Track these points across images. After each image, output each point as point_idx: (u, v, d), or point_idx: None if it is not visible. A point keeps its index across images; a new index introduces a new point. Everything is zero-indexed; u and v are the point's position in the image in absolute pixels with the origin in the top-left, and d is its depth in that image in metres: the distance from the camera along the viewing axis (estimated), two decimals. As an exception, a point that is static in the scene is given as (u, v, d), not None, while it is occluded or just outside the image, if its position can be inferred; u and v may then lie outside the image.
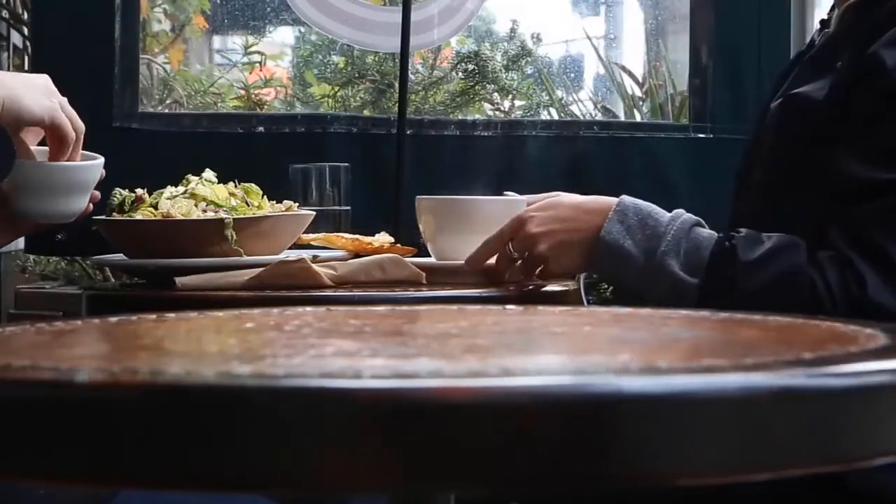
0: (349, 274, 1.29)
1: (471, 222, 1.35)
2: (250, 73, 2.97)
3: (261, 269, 1.25)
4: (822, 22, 1.26)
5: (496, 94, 2.91)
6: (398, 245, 1.41)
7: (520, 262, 1.22)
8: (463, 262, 1.27)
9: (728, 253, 1.08)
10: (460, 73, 2.88)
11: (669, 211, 1.15)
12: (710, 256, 1.09)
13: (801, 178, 1.13)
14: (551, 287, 1.29)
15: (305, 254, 1.32)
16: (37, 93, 1.16)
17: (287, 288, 1.23)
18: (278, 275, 1.24)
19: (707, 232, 1.12)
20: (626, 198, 1.16)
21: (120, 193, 1.38)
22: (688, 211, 1.16)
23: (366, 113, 2.83)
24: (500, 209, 1.32)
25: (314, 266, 1.25)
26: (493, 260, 1.24)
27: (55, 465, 0.42)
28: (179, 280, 1.26)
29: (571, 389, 0.41)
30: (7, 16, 3.02)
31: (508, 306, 0.84)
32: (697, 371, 0.45)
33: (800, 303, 1.03)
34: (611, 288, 2.06)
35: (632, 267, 1.12)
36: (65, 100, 1.18)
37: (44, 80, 1.18)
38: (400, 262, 1.31)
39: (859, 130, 1.07)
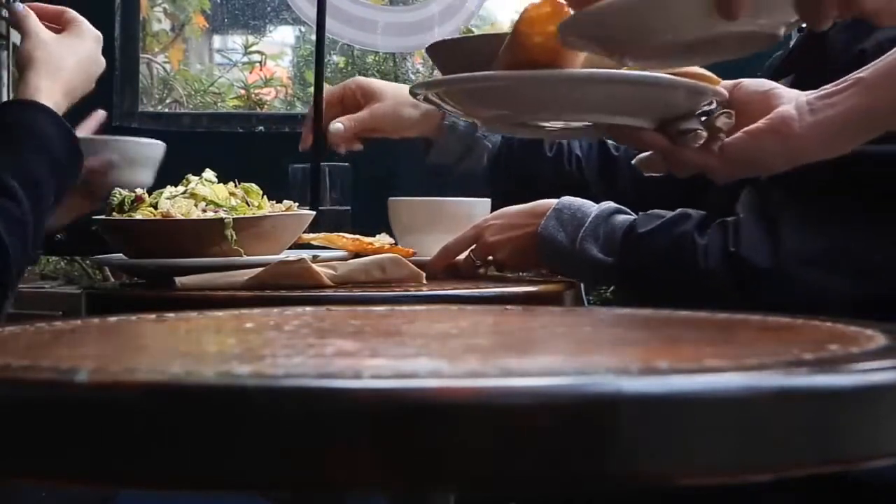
0: (349, 274, 1.29)
1: (437, 222, 1.46)
2: (250, 72, 2.97)
3: (261, 269, 1.25)
4: None
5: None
6: (398, 246, 1.42)
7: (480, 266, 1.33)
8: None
9: (631, 229, 1.17)
10: (460, 73, 2.89)
11: None
12: (621, 236, 1.18)
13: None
14: (552, 287, 1.30)
15: (305, 254, 1.32)
16: (86, 77, 1.28)
17: (287, 288, 1.23)
18: (278, 275, 1.24)
19: (624, 216, 1.21)
20: (565, 198, 1.26)
21: (120, 193, 1.38)
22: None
23: (366, 112, 2.83)
24: (464, 209, 1.44)
25: (314, 266, 1.25)
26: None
27: (55, 465, 0.42)
28: (179, 280, 1.26)
29: (571, 390, 0.41)
30: (7, 15, 3.02)
31: (508, 306, 0.84)
32: (698, 371, 0.45)
33: (683, 266, 1.12)
34: (611, 288, 2.06)
35: (563, 255, 1.22)
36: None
37: (95, 63, 1.31)
38: (400, 262, 1.31)
39: None
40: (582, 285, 1.48)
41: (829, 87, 0.94)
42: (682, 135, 0.96)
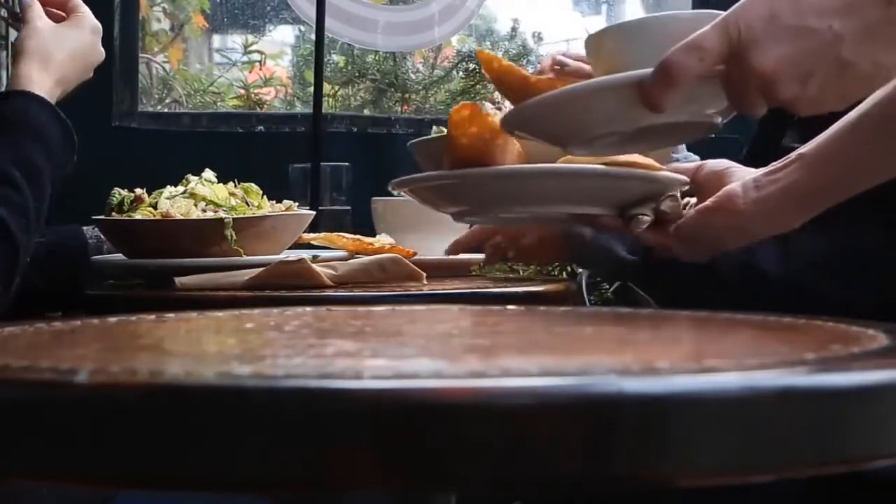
0: (349, 274, 1.29)
1: (421, 221, 1.48)
2: (250, 72, 2.97)
3: (261, 269, 1.25)
4: None
5: (497, 93, 2.90)
6: (399, 246, 1.42)
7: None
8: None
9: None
10: (461, 73, 2.88)
11: None
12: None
13: None
14: (553, 287, 1.30)
15: (305, 254, 1.32)
16: (81, 77, 1.28)
17: (287, 288, 1.23)
18: (278, 275, 1.24)
19: None
20: None
21: (119, 193, 1.38)
22: None
23: (366, 112, 2.83)
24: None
25: (314, 266, 1.25)
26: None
27: (54, 466, 0.42)
28: (179, 280, 1.26)
29: (572, 390, 0.41)
30: (6, 15, 3.01)
31: (509, 306, 0.84)
32: (699, 371, 0.45)
33: (701, 272, 1.08)
34: (612, 288, 2.06)
35: (588, 251, 1.22)
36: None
37: (93, 53, 1.31)
38: (400, 261, 1.31)
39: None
40: (584, 285, 1.48)
41: (776, 164, 0.94)
42: (630, 220, 0.99)
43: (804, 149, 0.92)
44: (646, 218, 0.98)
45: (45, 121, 1.19)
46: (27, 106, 1.19)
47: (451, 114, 1.04)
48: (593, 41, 0.98)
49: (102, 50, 1.32)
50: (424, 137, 1.20)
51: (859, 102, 0.83)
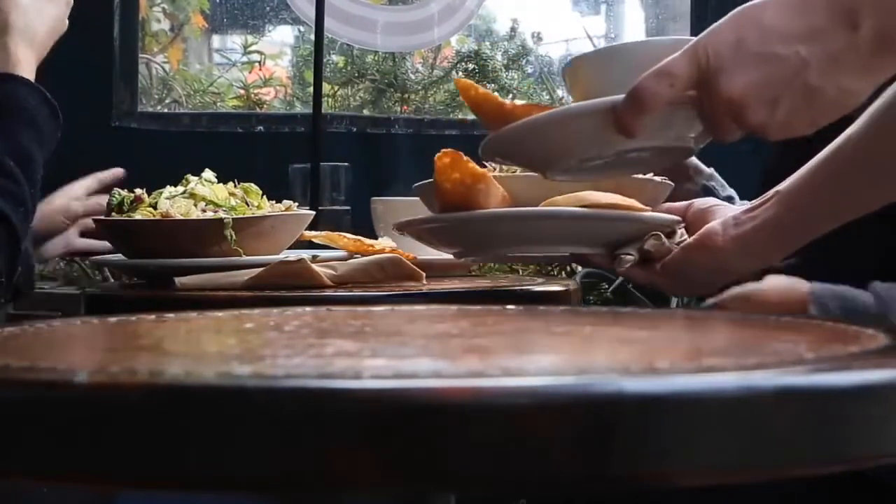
0: (349, 274, 1.29)
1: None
2: (250, 72, 2.97)
3: (261, 269, 1.25)
4: None
5: (497, 93, 2.91)
6: (400, 250, 1.42)
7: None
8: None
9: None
10: (460, 73, 2.88)
11: None
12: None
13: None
14: (553, 287, 1.30)
15: (305, 254, 1.32)
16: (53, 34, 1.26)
17: (287, 288, 1.23)
18: (278, 274, 1.24)
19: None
20: (815, 288, 1.10)
21: (119, 193, 1.38)
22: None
23: (365, 112, 2.83)
24: None
25: (314, 266, 1.25)
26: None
27: (54, 466, 0.42)
28: (179, 280, 1.26)
29: (572, 390, 0.41)
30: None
31: (508, 306, 0.84)
32: (699, 371, 0.45)
33: None
34: (611, 288, 2.06)
35: None
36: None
37: (62, 26, 1.28)
38: (400, 262, 1.31)
39: None
40: (580, 285, 1.48)
41: (755, 201, 0.95)
42: (615, 259, 1.02)
43: (781, 186, 0.93)
44: (629, 257, 1.00)
45: (34, 104, 1.18)
46: (17, 90, 1.18)
47: (434, 160, 1.09)
48: (573, 67, 1.00)
49: (67, 22, 1.30)
50: (427, 181, 1.23)
51: (837, 128, 0.84)
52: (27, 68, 1.20)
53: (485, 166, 1.13)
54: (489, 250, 1.12)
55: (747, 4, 0.74)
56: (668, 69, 0.75)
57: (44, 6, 1.26)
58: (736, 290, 1.11)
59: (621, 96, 0.78)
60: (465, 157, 1.09)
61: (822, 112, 0.73)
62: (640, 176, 1.16)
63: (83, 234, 1.52)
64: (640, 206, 1.07)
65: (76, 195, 1.48)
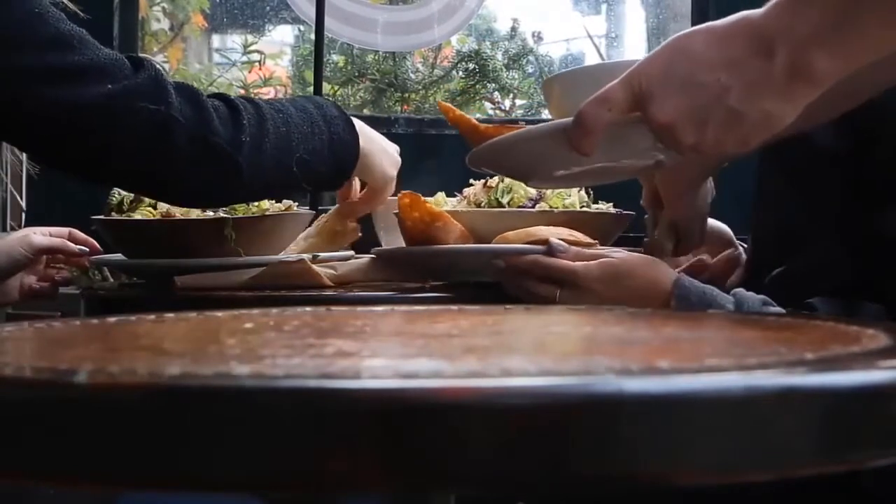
0: (348, 274, 1.29)
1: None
2: (249, 71, 2.97)
3: (261, 268, 1.25)
4: None
5: (497, 92, 2.91)
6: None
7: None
8: None
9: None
10: (461, 72, 2.89)
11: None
12: None
13: (824, 221, 1.13)
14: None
15: (305, 255, 1.32)
16: (388, 161, 1.35)
17: (287, 288, 1.23)
18: (278, 275, 1.24)
19: (776, 310, 1.07)
20: (683, 279, 1.15)
21: (119, 193, 1.38)
22: None
23: (366, 112, 2.83)
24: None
25: (314, 266, 1.25)
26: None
27: (54, 466, 0.42)
28: (179, 279, 1.26)
29: (572, 390, 0.41)
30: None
31: (509, 306, 0.84)
32: (699, 371, 0.45)
33: None
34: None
35: None
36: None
37: (395, 150, 1.38)
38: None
39: (884, 181, 1.07)
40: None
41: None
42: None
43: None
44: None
45: (334, 113, 1.25)
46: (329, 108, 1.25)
47: (398, 199, 1.27)
48: (546, 86, 1.13)
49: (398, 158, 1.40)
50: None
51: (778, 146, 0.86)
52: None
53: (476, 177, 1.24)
54: (446, 278, 1.29)
55: (678, 35, 0.79)
56: (606, 95, 0.81)
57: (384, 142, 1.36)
58: (607, 262, 1.17)
59: (570, 119, 0.84)
60: (423, 199, 1.25)
61: (749, 134, 0.78)
62: (599, 209, 1.30)
63: (43, 279, 1.47)
64: (585, 239, 1.21)
65: (41, 231, 1.43)
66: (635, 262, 1.18)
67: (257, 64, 2.97)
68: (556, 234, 1.19)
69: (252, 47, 2.98)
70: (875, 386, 0.45)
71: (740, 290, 1.10)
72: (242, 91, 2.85)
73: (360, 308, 0.81)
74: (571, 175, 0.95)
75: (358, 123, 1.28)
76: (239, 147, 1.12)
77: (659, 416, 0.41)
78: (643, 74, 0.79)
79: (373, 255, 1.36)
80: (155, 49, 3.05)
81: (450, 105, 1.16)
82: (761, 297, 1.08)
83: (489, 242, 1.25)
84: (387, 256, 1.34)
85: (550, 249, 1.18)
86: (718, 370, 0.45)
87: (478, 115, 2.88)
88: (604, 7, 3.35)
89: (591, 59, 3.15)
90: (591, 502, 1.03)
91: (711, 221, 1.38)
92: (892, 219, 1.06)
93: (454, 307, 0.84)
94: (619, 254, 1.19)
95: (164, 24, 3.11)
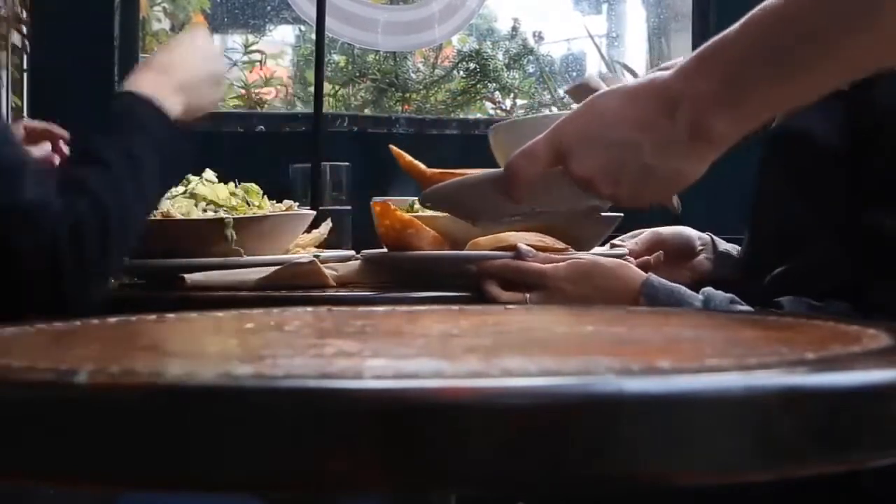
0: (347, 275, 1.30)
1: None
2: (250, 72, 2.97)
3: (271, 268, 1.26)
4: None
5: (498, 92, 2.91)
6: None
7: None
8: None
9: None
10: (461, 72, 2.89)
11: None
12: None
13: (823, 221, 1.13)
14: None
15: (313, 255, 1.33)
16: (207, 89, 1.28)
17: (289, 288, 1.24)
18: (289, 276, 1.25)
19: (743, 308, 1.10)
20: (652, 278, 1.18)
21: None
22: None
23: (367, 112, 2.83)
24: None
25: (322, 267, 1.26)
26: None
27: (54, 466, 0.42)
28: (189, 277, 1.26)
29: (573, 390, 0.41)
30: (7, 15, 3.01)
31: (509, 306, 0.84)
32: (700, 371, 0.45)
33: None
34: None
35: None
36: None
37: (212, 63, 1.30)
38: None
39: (883, 181, 1.07)
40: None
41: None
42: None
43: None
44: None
45: (149, 115, 1.20)
46: (131, 103, 1.21)
47: (372, 206, 1.34)
48: (492, 134, 1.29)
49: (222, 63, 1.33)
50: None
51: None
52: (152, 88, 1.22)
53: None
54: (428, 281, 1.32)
55: (595, 95, 0.84)
56: (531, 150, 0.86)
57: (184, 41, 1.30)
58: (574, 262, 1.20)
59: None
60: (393, 207, 1.31)
61: (661, 188, 0.83)
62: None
63: None
64: (556, 245, 1.25)
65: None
66: (603, 262, 1.21)
67: (258, 64, 2.97)
68: (526, 240, 1.23)
69: (253, 47, 2.98)
70: (875, 386, 0.45)
71: (708, 289, 1.13)
72: (243, 91, 2.85)
73: (360, 308, 0.81)
74: (515, 218, 1.02)
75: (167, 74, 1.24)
76: (107, 265, 1.11)
77: (659, 416, 0.41)
78: (564, 132, 0.84)
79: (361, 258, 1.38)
80: (156, 49, 3.05)
81: (400, 151, 1.27)
82: (729, 295, 1.10)
83: (463, 247, 1.30)
84: (373, 260, 1.37)
85: (519, 255, 1.22)
86: (718, 370, 0.45)
87: (479, 116, 2.88)
88: (604, 7, 3.35)
89: (592, 59, 3.15)
90: (591, 502, 1.03)
91: (676, 229, 1.42)
92: (891, 218, 1.06)
93: (455, 307, 0.84)
94: (588, 256, 1.21)
95: (165, 24, 3.10)
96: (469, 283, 1.25)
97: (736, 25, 0.75)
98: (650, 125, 0.79)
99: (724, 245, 1.46)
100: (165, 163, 1.18)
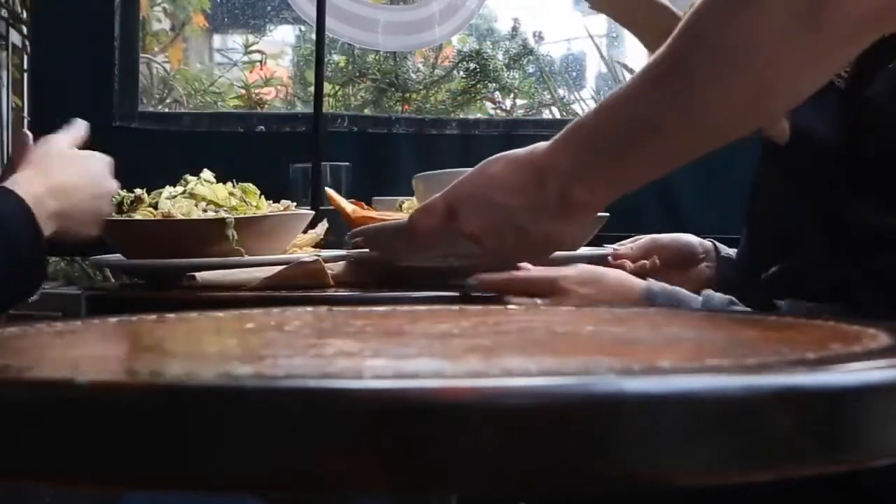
0: (340, 275, 1.31)
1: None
2: (250, 72, 2.97)
3: (275, 267, 1.27)
4: None
5: (498, 92, 2.91)
6: None
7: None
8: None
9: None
10: (461, 72, 2.89)
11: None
12: None
13: (817, 219, 1.13)
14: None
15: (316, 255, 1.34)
16: (88, 215, 1.20)
17: (289, 287, 1.24)
18: (295, 275, 1.26)
19: (742, 309, 1.10)
20: (652, 283, 1.21)
21: (119, 193, 1.38)
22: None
23: (366, 112, 2.83)
24: None
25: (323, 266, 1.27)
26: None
27: (55, 466, 0.42)
28: (199, 275, 1.26)
29: (573, 390, 0.41)
30: (7, 15, 3.01)
31: (510, 306, 0.84)
32: (700, 371, 0.45)
33: None
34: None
35: None
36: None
37: (99, 189, 1.22)
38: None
39: (875, 177, 1.07)
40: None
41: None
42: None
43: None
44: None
45: (10, 211, 1.11)
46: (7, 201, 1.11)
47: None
48: (415, 182, 1.40)
49: (113, 182, 1.24)
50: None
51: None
52: (25, 187, 1.12)
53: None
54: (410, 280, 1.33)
55: (485, 161, 0.92)
56: (427, 207, 0.95)
57: (73, 152, 1.22)
58: (582, 266, 1.23)
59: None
60: (366, 207, 1.38)
61: (537, 249, 0.92)
62: None
63: None
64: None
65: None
66: (604, 267, 1.26)
67: (258, 64, 2.97)
68: None
69: (253, 47, 2.98)
70: (875, 386, 0.45)
71: (707, 291, 1.16)
72: (243, 91, 2.86)
73: (361, 308, 0.81)
74: (435, 260, 1.10)
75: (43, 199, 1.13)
76: None
77: (659, 416, 0.41)
78: (457, 191, 0.93)
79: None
80: (156, 49, 3.05)
81: (331, 193, 1.35)
82: (728, 297, 1.12)
83: None
84: (360, 261, 1.36)
85: (519, 267, 1.22)
86: (718, 370, 0.45)
87: (479, 116, 2.88)
88: (604, 7, 3.34)
89: (592, 59, 3.16)
90: (591, 502, 1.03)
91: (675, 235, 1.43)
92: (888, 217, 1.06)
93: (455, 307, 0.84)
94: (569, 255, 1.26)
95: (165, 24, 3.11)
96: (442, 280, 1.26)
97: (592, 108, 0.87)
98: (527, 192, 0.87)
99: (726, 250, 1.46)
100: (9, 262, 1.09)
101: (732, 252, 1.45)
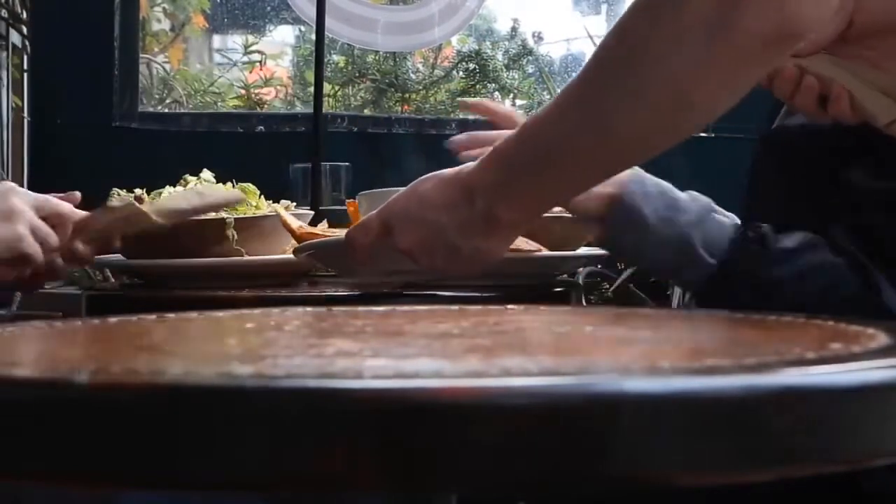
0: (169, 204, 1.27)
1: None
2: (250, 72, 2.97)
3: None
4: None
5: (497, 93, 2.91)
6: None
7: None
8: None
9: (756, 240, 1.07)
10: (461, 72, 2.88)
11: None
12: (737, 240, 1.07)
13: (816, 191, 1.13)
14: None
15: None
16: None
17: (274, 286, 1.24)
18: (113, 220, 1.23)
19: (725, 215, 1.11)
20: (639, 169, 1.13)
21: (119, 193, 1.38)
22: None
23: (366, 112, 2.83)
24: None
25: (142, 207, 1.24)
26: None
27: (55, 466, 0.42)
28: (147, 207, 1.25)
29: (573, 390, 0.41)
30: (6, 15, 3.01)
31: (510, 306, 0.84)
32: (700, 371, 0.45)
33: (820, 297, 1.04)
34: (612, 287, 2.06)
35: (647, 234, 1.07)
36: (42, 201, 1.19)
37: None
38: (214, 186, 1.34)
39: (870, 146, 1.07)
40: (582, 285, 1.48)
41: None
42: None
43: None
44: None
45: None
46: None
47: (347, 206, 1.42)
48: (358, 199, 1.43)
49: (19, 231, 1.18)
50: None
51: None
52: None
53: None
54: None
55: (418, 179, 0.94)
56: (364, 223, 0.98)
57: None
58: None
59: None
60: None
61: (468, 264, 0.93)
62: (551, 215, 1.26)
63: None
64: (527, 246, 1.27)
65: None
66: None
67: (258, 64, 2.96)
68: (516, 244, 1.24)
69: (253, 47, 2.98)
70: (875, 386, 0.45)
71: (692, 193, 1.12)
72: (243, 91, 2.85)
73: (361, 308, 0.81)
74: (382, 274, 1.13)
75: None
76: None
77: (659, 416, 0.41)
78: (392, 209, 0.95)
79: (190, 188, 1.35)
80: (156, 49, 3.05)
81: (282, 210, 1.33)
82: (708, 199, 1.11)
83: None
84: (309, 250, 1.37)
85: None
86: (718, 370, 0.45)
87: (478, 116, 2.88)
88: (604, 7, 3.34)
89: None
90: (591, 502, 1.03)
91: None
92: (886, 216, 1.06)
93: (455, 307, 0.84)
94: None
95: (165, 24, 3.10)
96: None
97: (515, 129, 0.87)
98: (456, 209, 0.90)
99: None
100: None
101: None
